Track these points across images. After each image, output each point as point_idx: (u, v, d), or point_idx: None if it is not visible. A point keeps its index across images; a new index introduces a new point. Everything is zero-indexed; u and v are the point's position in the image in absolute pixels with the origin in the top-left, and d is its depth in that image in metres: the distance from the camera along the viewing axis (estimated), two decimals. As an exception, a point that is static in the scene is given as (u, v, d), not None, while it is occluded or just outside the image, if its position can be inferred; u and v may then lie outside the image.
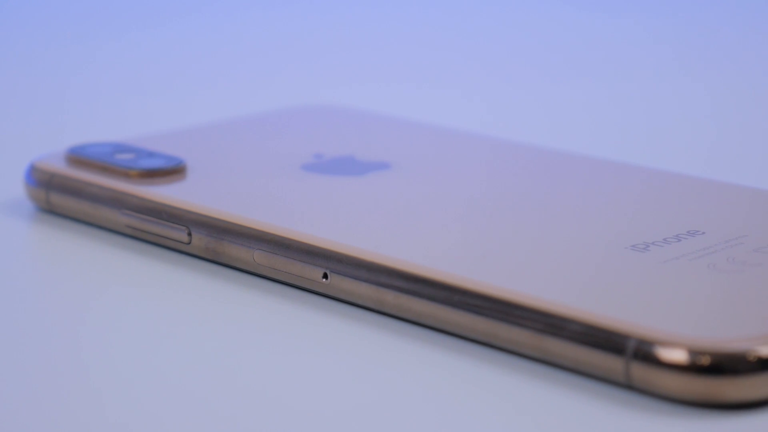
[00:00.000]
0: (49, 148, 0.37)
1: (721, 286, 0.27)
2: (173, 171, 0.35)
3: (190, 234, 0.32)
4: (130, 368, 0.27)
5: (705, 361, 0.24)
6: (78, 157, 0.36)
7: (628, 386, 0.25)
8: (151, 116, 0.49)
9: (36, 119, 0.48)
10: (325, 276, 0.30)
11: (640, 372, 0.25)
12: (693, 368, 0.24)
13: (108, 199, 0.34)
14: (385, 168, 0.36)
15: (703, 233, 0.30)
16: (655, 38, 0.63)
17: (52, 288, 0.32)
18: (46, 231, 0.35)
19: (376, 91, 0.53)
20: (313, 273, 0.30)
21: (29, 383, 0.27)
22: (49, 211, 0.36)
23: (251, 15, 0.68)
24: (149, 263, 0.33)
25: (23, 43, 0.62)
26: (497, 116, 0.49)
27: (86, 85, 0.54)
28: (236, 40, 0.63)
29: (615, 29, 0.65)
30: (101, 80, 0.55)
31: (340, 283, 0.30)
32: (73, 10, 0.68)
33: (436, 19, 0.68)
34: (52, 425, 0.25)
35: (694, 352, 0.24)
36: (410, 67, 0.58)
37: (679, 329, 0.25)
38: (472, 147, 0.39)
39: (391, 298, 0.29)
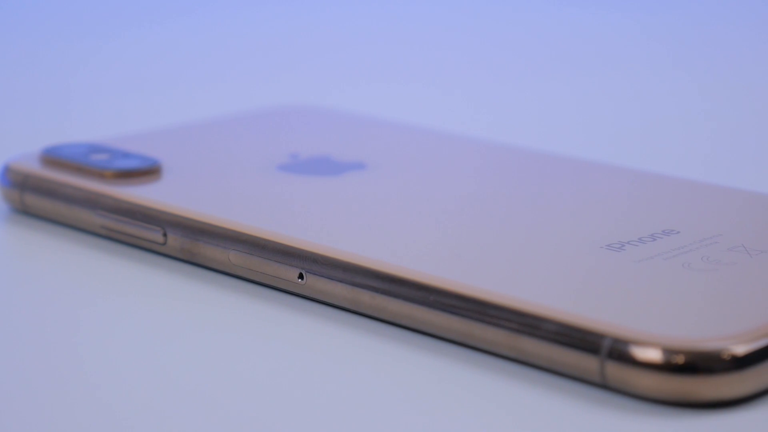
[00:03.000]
0: (24, 149, 0.37)
1: (696, 285, 0.28)
2: (148, 171, 0.35)
3: (165, 235, 0.32)
4: (105, 369, 0.27)
5: (679, 360, 0.24)
6: (52, 158, 0.36)
7: (604, 386, 0.25)
8: (128, 116, 0.49)
9: (11, 119, 0.48)
10: (301, 276, 0.30)
11: (615, 371, 0.25)
12: (668, 367, 0.24)
13: (83, 200, 0.34)
14: (361, 168, 0.36)
15: (678, 232, 0.30)
16: (633, 34, 0.63)
17: (26, 290, 0.32)
18: (20, 232, 0.35)
19: (355, 91, 0.53)
20: (288, 273, 0.30)
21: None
22: (24, 212, 0.36)
23: (229, 16, 0.68)
24: (124, 264, 0.33)
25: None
26: (480, 114, 0.49)
27: (63, 85, 0.54)
28: (215, 41, 0.63)
29: (600, 24, 0.65)
30: (78, 81, 0.55)
31: (315, 283, 0.30)
32: (52, 12, 0.68)
33: (419, 16, 0.68)
34: (25, 426, 0.25)
35: (668, 351, 0.25)
36: (391, 66, 0.58)
37: (653, 328, 0.25)
38: (447, 147, 0.39)
39: (366, 299, 0.29)
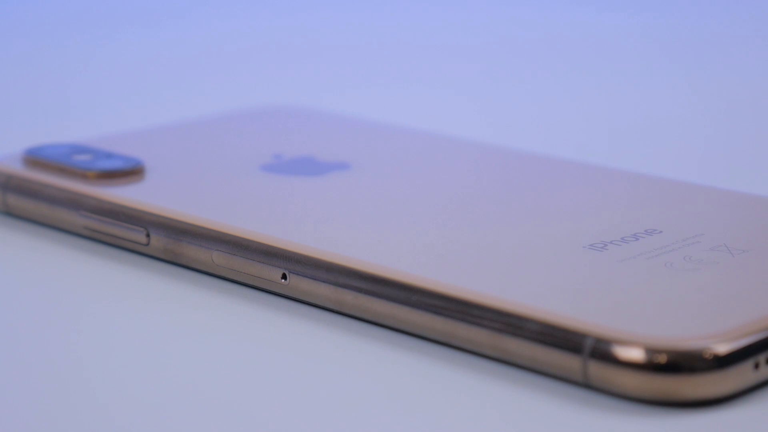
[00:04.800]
0: (7, 149, 0.37)
1: (678, 284, 0.28)
2: (131, 172, 0.35)
3: (148, 235, 0.32)
4: (88, 370, 0.27)
5: (661, 359, 0.25)
6: (35, 159, 0.36)
7: (586, 385, 0.25)
8: (111, 117, 0.48)
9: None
10: (284, 277, 0.30)
11: (598, 371, 0.25)
12: (650, 366, 0.25)
13: (66, 200, 0.34)
14: (344, 168, 0.36)
15: (661, 232, 0.30)
16: (625, 32, 0.63)
17: (9, 291, 0.32)
18: (2, 233, 0.35)
19: (340, 91, 0.53)
20: (272, 274, 0.30)
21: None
22: (6, 213, 0.36)
23: (213, 17, 0.68)
24: (108, 265, 0.32)
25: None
26: (469, 114, 0.49)
27: (46, 85, 0.54)
28: (198, 43, 0.63)
29: (591, 21, 0.65)
30: (62, 81, 0.54)
31: (299, 283, 0.30)
32: (36, 13, 0.68)
33: (406, 15, 0.68)
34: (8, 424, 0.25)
35: (650, 351, 0.25)
36: (376, 66, 0.58)
37: (635, 328, 0.25)
38: (431, 147, 0.39)
39: (350, 299, 0.29)
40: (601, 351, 0.25)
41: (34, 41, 0.62)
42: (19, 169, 0.35)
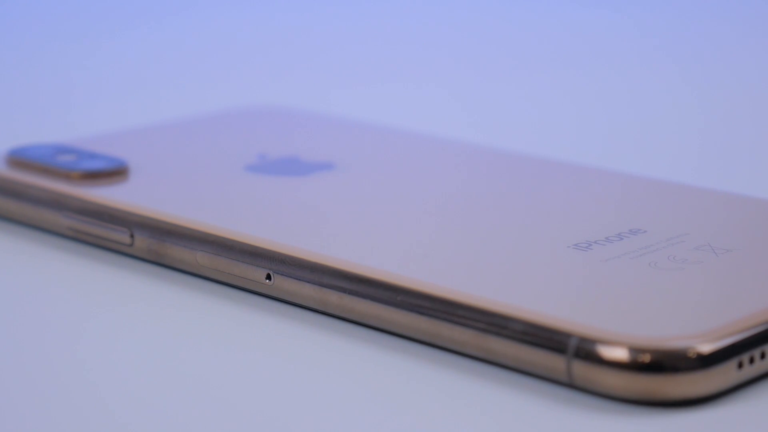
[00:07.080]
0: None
1: (662, 284, 0.28)
2: (115, 172, 0.35)
3: (132, 236, 0.32)
4: (70, 371, 0.27)
5: (645, 358, 0.25)
6: (19, 159, 0.35)
7: (570, 385, 0.25)
8: (95, 117, 0.48)
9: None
10: (269, 277, 0.30)
11: (582, 370, 0.25)
12: (634, 366, 0.25)
13: (49, 201, 0.34)
14: (328, 168, 0.36)
15: (645, 232, 0.30)
16: (616, 30, 0.63)
17: (-8, 291, 0.32)
18: (-14, 234, 0.35)
19: (326, 92, 0.53)
20: (256, 274, 0.30)
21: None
22: (-10, 213, 0.35)
23: (200, 16, 0.68)
24: (91, 266, 0.32)
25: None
26: (458, 113, 0.49)
27: (31, 85, 0.53)
28: (184, 42, 0.63)
29: (580, 20, 0.65)
30: (46, 82, 0.54)
31: (283, 284, 0.30)
32: (26, 12, 0.67)
33: (398, 13, 0.68)
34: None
35: (634, 350, 0.25)
36: (364, 65, 0.58)
37: (620, 327, 0.25)
38: (415, 147, 0.39)
39: (334, 299, 0.29)
40: (585, 350, 0.25)
41: (21, 41, 0.62)
42: (2, 170, 0.35)
